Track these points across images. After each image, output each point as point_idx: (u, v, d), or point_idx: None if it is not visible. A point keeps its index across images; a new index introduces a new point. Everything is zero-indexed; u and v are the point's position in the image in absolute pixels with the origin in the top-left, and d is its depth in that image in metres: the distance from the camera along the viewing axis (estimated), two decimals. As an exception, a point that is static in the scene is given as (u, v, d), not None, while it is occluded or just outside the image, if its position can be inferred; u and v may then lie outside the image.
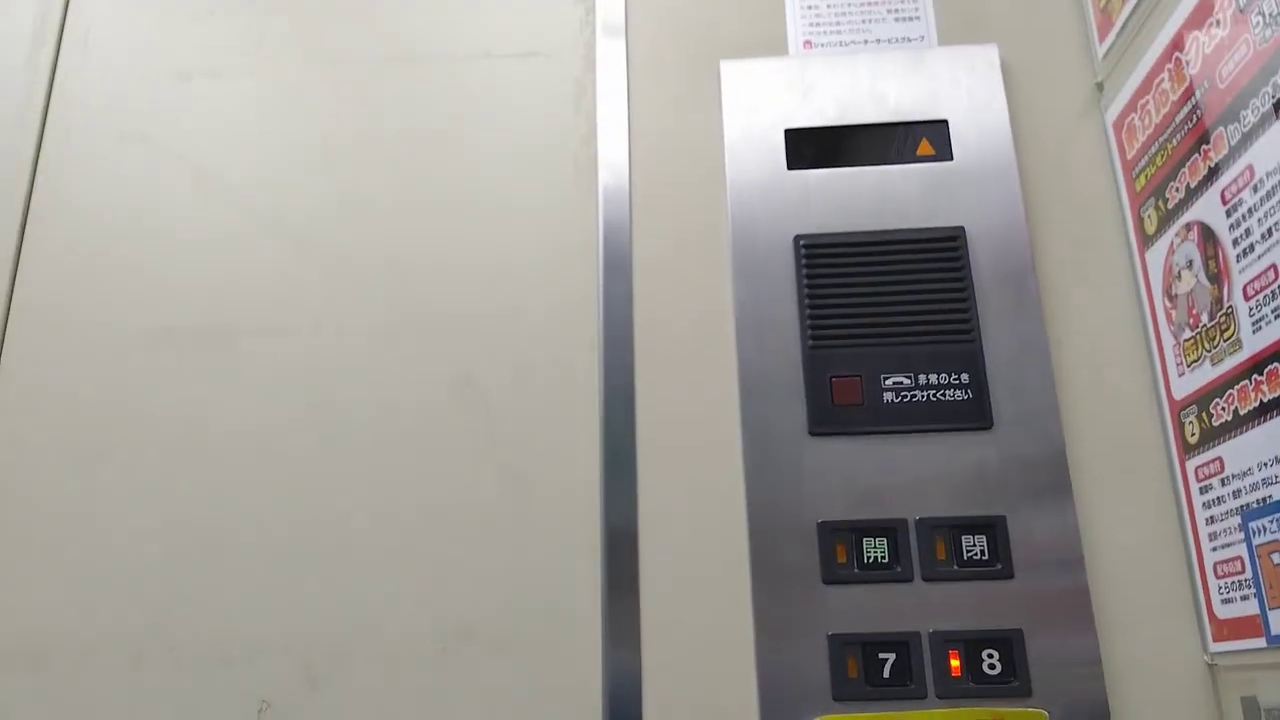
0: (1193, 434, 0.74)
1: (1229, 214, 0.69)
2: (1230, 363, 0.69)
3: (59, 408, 0.93)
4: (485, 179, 0.97)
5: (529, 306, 0.92)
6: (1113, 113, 0.85)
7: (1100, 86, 0.87)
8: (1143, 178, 0.80)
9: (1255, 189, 0.65)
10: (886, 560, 0.76)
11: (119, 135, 1.02)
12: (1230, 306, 0.69)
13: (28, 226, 1.01)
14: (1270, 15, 0.63)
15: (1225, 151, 0.69)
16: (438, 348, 0.92)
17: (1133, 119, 0.82)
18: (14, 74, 1.06)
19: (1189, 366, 0.75)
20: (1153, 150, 0.79)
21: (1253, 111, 0.65)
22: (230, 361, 0.93)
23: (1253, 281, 0.66)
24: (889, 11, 0.90)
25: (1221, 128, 0.69)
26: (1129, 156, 0.83)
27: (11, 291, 0.98)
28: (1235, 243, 0.68)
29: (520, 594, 0.81)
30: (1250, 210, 0.66)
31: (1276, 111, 0.63)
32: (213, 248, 0.97)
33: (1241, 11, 0.66)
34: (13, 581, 0.86)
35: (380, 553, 0.84)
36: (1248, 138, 0.66)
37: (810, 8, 0.91)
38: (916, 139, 0.87)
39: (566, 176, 0.95)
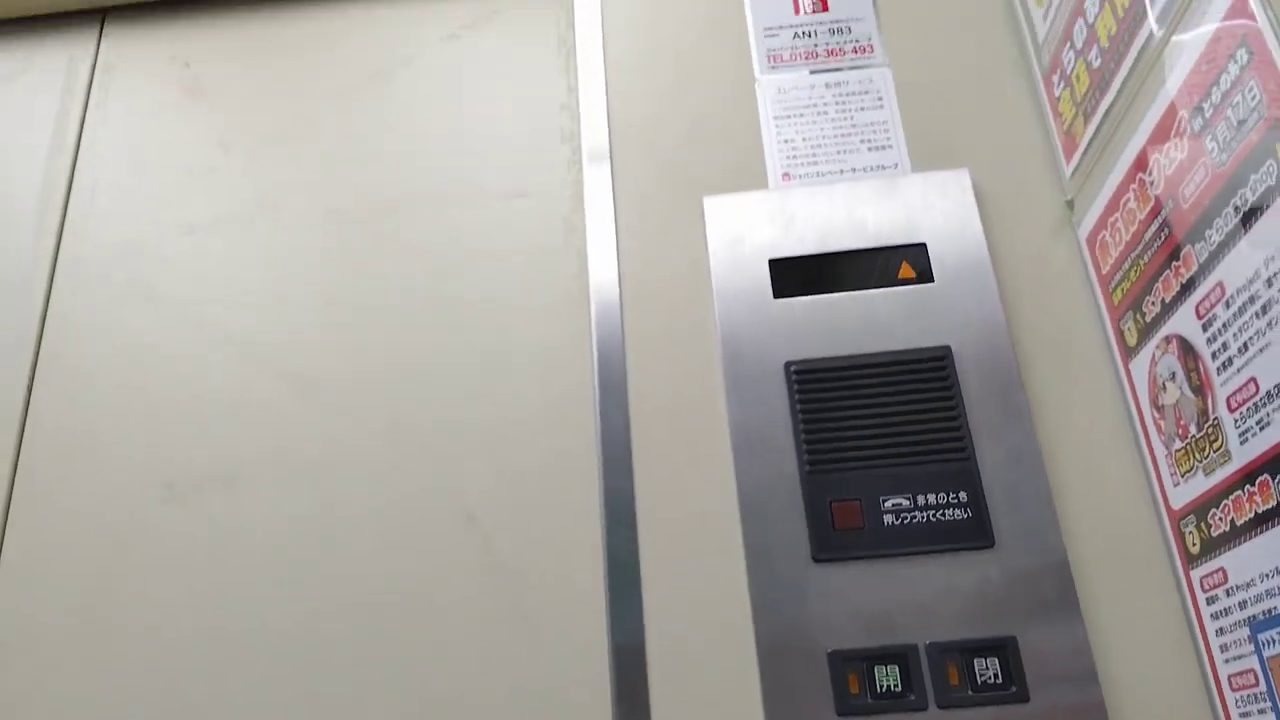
0: (1194, 544, 0.75)
1: (1205, 328, 0.70)
2: (1222, 473, 0.70)
3: (67, 561, 0.93)
4: (481, 318, 1.00)
5: (527, 441, 0.93)
6: (1085, 229, 0.88)
7: (1071, 204, 0.90)
8: (1119, 291, 0.83)
9: (1227, 304, 0.67)
10: (899, 689, 0.76)
11: (125, 288, 1.05)
12: (1216, 418, 0.70)
13: (35, 381, 1.03)
14: (1224, 140, 0.66)
15: (1195, 268, 0.71)
16: (439, 487, 0.93)
17: (1104, 235, 0.85)
18: (23, 232, 1.10)
19: (1183, 476, 0.75)
20: (1126, 265, 0.81)
21: (1217, 230, 0.68)
22: (235, 510, 0.93)
23: (1235, 394, 0.67)
24: (862, 142, 0.94)
25: (1189, 245, 0.71)
26: (1104, 271, 0.85)
27: (19, 447, 1.00)
28: (1214, 356, 0.70)
29: (530, 739, 0.80)
30: (1225, 325, 0.68)
31: (1244, 225, 0.65)
32: (216, 397, 0.99)
33: (1197, 135, 0.70)
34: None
35: (387, 692, 0.83)
36: (1215, 256, 0.68)
37: (787, 141, 0.95)
38: (897, 263, 0.90)
39: (560, 313, 0.98)
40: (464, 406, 0.94)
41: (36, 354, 1.04)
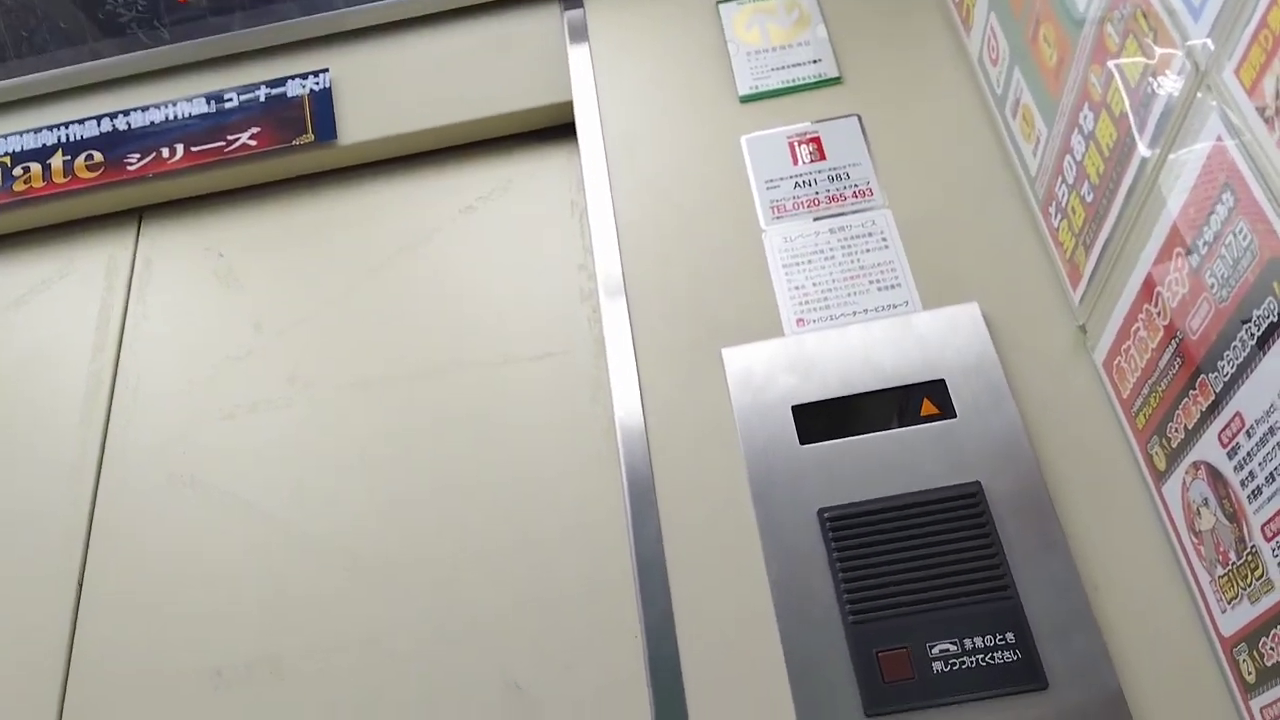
0: (1249, 672, 0.73)
1: (1230, 456, 0.71)
2: (1268, 601, 0.69)
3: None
4: (513, 480, 1.02)
5: (569, 605, 0.94)
6: (1100, 353, 0.90)
7: (1084, 329, 0.92)
8: (1141, 417, 0.84)
9: (1249, 434, 0.68)
10: (966, 845, 0.74)
11: (169, 478, 1.09)
12: (1254, 546, 0.70)
13: (85, 575, 1.05)
14: (1223, 278, 0.68)
15: (1213, 398, 0.72)
16: (484, 654, 0.93)
17: (1120, 361, 0.86)
18: (70, 428, 1.14)
19: (1229, 603, 0.75)
20: (1146, 391, 0.82)
21: (1228, 363, 0.69)
22: (283, 696, 0.94)
23: (1269, 522, 0.67)
24: (871, 283, 0.97)
25: (1204, 375, 0.73)
26: (1124, 395, 0.86)
27: (73, 639, 1.02)
28: (1243, 484, 0.70)
29: None
30: (1249, 454, 0.68)
31: (1260, 347, 0.65)
32: (260, 578, 1.01)
33: (1195, 271, 0.72)
34: None
35: None
36: (1230, 386, 0.69)
37: (798, 288, 0.98)
38: (918, 401, 0.91)
39: (591, 474, 1.00)
40: (504, 577, 0.95)
41: (86, 546, 1.07)
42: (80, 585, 1.04)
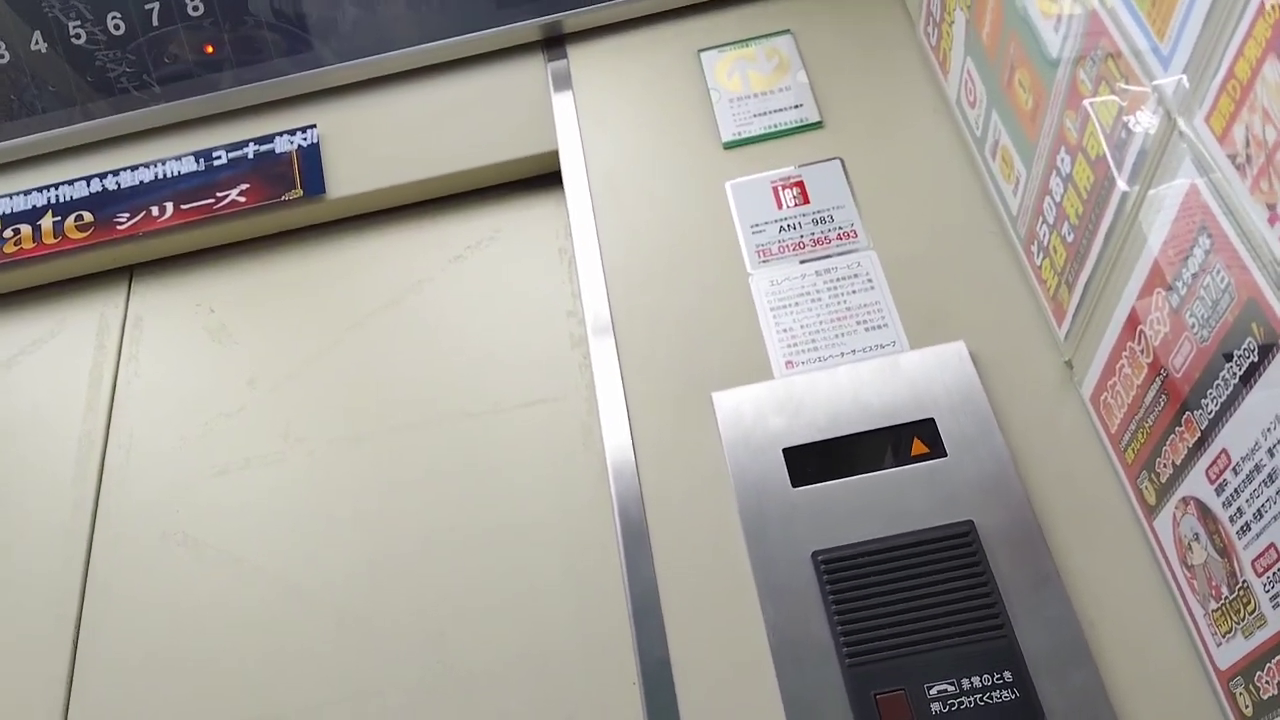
0: (1247, 706, 0.74)
1: (1218, 492, 0.72)
2: (1261, 635, 0.70)
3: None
4: (507, 529, 1.02)
5: (565, 654, 0.94)
6: (1087, 388, 0.90)
7: (1070, 364, 0.93)
8: (1130, 451, 0.84)
9: (1235, 471, 0.69)
10: None
11: (162, 536, 1.08)
12: (1245, 581, 0.70)
13: (81, 634, 1.04)
14: (1203, 318, 0.69)
15: (1199, 435, 0.73)
16: (482, 706, 0.93)
17: (1106, 397, 0.87)
18: (63, 487, 1.14)
19: (1224, 637, 0.75)
20: (1133, 427, 0.83)
21: (1212, 400, 0.70)
22: (281, 754, 0.94)
23: (1259, 558, 0.68)
24: (858, 324, 0.98)
25: (1190, 412, 0.73)
26: (1113, 430, 0.87)
27: (68, 700, 1.01)
28: (1232, 520, 0.71)
29: None
30: (1236, 491, 0.69)
31: (1244, 384, 0.66)
32: (255, 635, 1.00)
33: (1175, 311, 0.73)
34: None
35: None
36: (1215, 424, 0.70)
37: (786, 330, 0.99)
38: (909, 440, 0.92)
39: (584, 517, 1.00)
40: (500, 628, 0.95)
41: (80, 606, 1.06)
42: (75, 645, 1.04)
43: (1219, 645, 0.76)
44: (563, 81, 1.23)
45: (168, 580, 1.05)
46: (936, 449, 0.91)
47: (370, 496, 1.06)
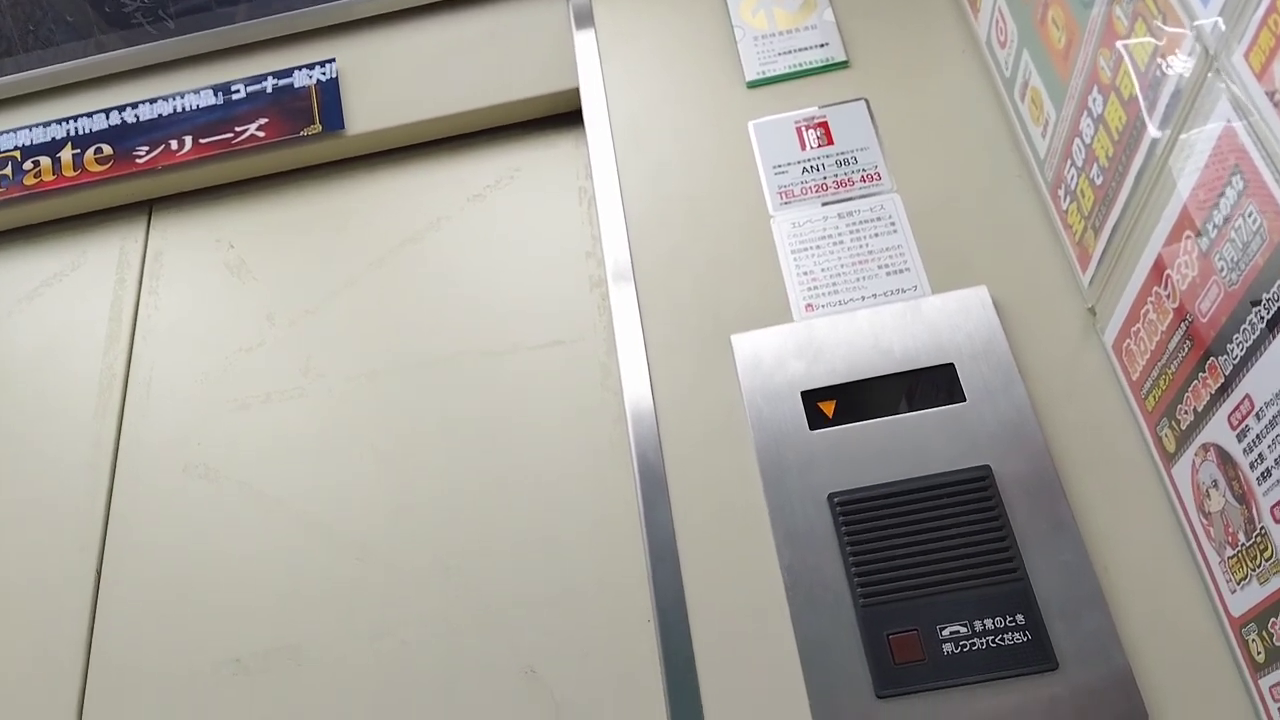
0: (1259, 652, 0.74)
1: (1239, 438, 0.71)
2: (1277, 582, 0.70)
3: (141, 747, 0.95)
4: (525, 468, 1.02)
5: (583, 592, 0.95)
6: (1110, 335, 0.90)
7: (1093, 311, 0.92)
8: (1151, 398, 0.84)
9: (1258, 417, 0.68)
10: (977, 824, 0.75)
11: (183, 470, 1.10)
12: (1263, 528, 0.70)
13: (104, 563, 1.06)
14: (1232, 261, 0.68)
15: (1222, 380, 0.72)
16: (499, 641, 0.94)
17: (1129, 344, 0.86)
18: (86, 418, 1.15)
19: (1239, 584, 0.75)
20: (1155, 373, 0.82)
21: (1238, 345, 0.69)
22: (299, 680, 0.95)
23: (1278, 505, 0.68)
24: (880, 267, 0.97)
25: (1214, 358, 0.73)
26: (1134, 377, 0.86)
27: (92, 628, 1.03)
28: (1252, 466, 0.70)
29: None
30: (1259, 437, 0.69)
31: (1270, 330, 0.66)
32: (275, 569, 1.02)
33: (1205, 254, 0.72)
34: None
35: None
36: (1239, 369, 0.70)
37: (807, 273, 0.98)
38: (928, 384, 0.91)
39: (602, 457, 1.00)
40: (518, 565, 0.96)
41: (104, 536, 1.08)
42: (98, 576, 1.06)
43: (1233, 592, 0.76)
44: (585, 18, 1.21)
45: (189, 513, 1.07)
46: (956, 394, 0.91)
47: (389, 433, 1.06)
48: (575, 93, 1.18)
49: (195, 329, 1.18)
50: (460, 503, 1.02)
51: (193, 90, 1.26)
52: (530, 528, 0.99)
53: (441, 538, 1.00)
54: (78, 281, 1.25)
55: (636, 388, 0.99)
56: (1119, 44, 0.78)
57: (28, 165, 1.27)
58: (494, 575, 0.97)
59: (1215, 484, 0.76)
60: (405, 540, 1.00)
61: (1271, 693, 0.73)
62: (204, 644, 0.99)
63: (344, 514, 1.03)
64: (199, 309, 1.19)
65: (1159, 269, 0.79)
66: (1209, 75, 0.68)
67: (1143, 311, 0.82)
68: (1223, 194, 0.68)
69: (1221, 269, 0.70)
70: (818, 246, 0.99)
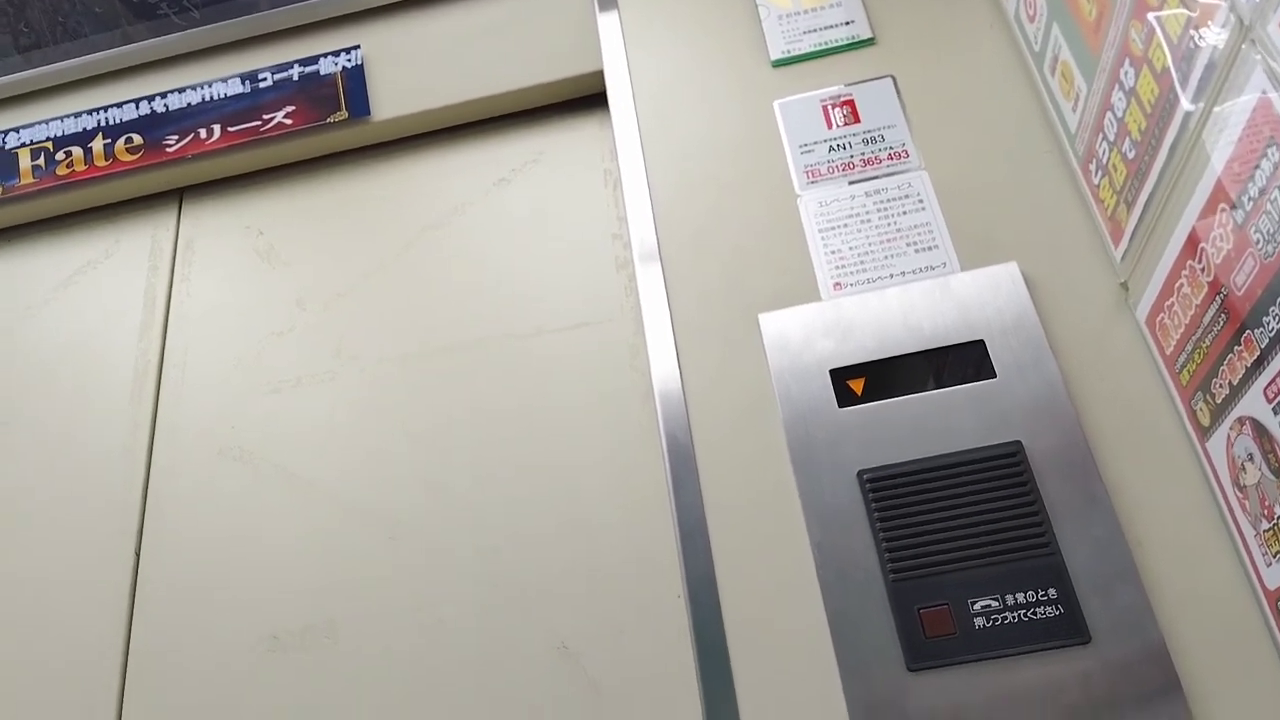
0: (1296, 625, 0.74)
1: (1276, 412, 0.71)
2: (1315, 555, 0.70)
3: (185, 714, 0.97)
4: (556, 447, 1.03)
5: (612, 569, 0.96)
6: (1142, 311, 0.89)
7: (1125, 286, 0.91)
8: (1185, 373, 0.83)
9: (1295, 389, 0.68)
10: (1011, 797, 0.75)
11: (218, 453, 1.11)
12: (1301, 500, 0.70)
13: (143, 545, 1.08)
14: (1268, 233, 0.68)
15: (1258, 353, 0.72)
16: (531, 618, 0.95)
17: (1163, 318, 0.86)
18: (122, 403, 1.17)
19: (1275, 557, 0.75)
20: (1189, 348, 0.82)
21: (1274, 318, 0.69)
22: (335, 656, 0.97)
23: (1316, 477, 0.67)
24: (908, 245, 0.97)
25: (1249, 331, 0.72)
26: (1168, 352, 0.86)
27: (132, 609, 1.05)
28: (1289, 439, 0.70)
29: None
30: (1296, 409, 0.68)
31: None
32: (310, 549, 1.03)
33: (1240, 227, 0.71)
34: None
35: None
36: (1275, 343, 0.69)
37: (834, 252, 0.98)
38: (958, 362, 0.91)
39: (631, 440, 1.01)
40: (547, 537, 0.97)
41: (142, 519, 1.10)
42: (137, 558, 1.07)
43: (1269, 566, 0.76)
44: (608, 0, 1.21)
45: (224, 495, 1.08)
46: (986, 370, 0.90)
47: (420, 415, 1.07)
48: (599, 75, 1.18)
49: (227, 315, 1.19)
50: (491, 483, 1.03)
51: (220, 79, 1.27)
52: (561, 507, 1.00)
53: (474, 518, 1.01)
54: (111, 269, 1.27)
55: (664, 368, 0.99)
56: (1151, 16, 0.77)
57: (60, 156, 1.29)
58: (526, 555, 0.98)
59: (1251, 458, 0.76)
60: (438, 521, 1.02)
61: (1308, 666, 0.73)
62: (241, 622, 1.01)
63: (377, 495, 1.04)
64: (230, 295, 1.21)
65: (1193, 242, 0.78)
66: (1243, 46, 0.67)
67: (1176, 285, 0.82)
68: (1258, 166, 0.67)
69: (1257, 241, 0.69)
70: (845, 225, 0.99)
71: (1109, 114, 0.87)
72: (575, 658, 0.92)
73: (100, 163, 1.27)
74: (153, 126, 1.27)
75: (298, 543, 1.04)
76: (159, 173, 1.26)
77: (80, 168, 1.28)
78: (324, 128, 1.22)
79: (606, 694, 0.91)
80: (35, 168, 1.29)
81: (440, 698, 0.93)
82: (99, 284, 1.26)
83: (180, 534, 1.08)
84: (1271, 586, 0.76)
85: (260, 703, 0.97)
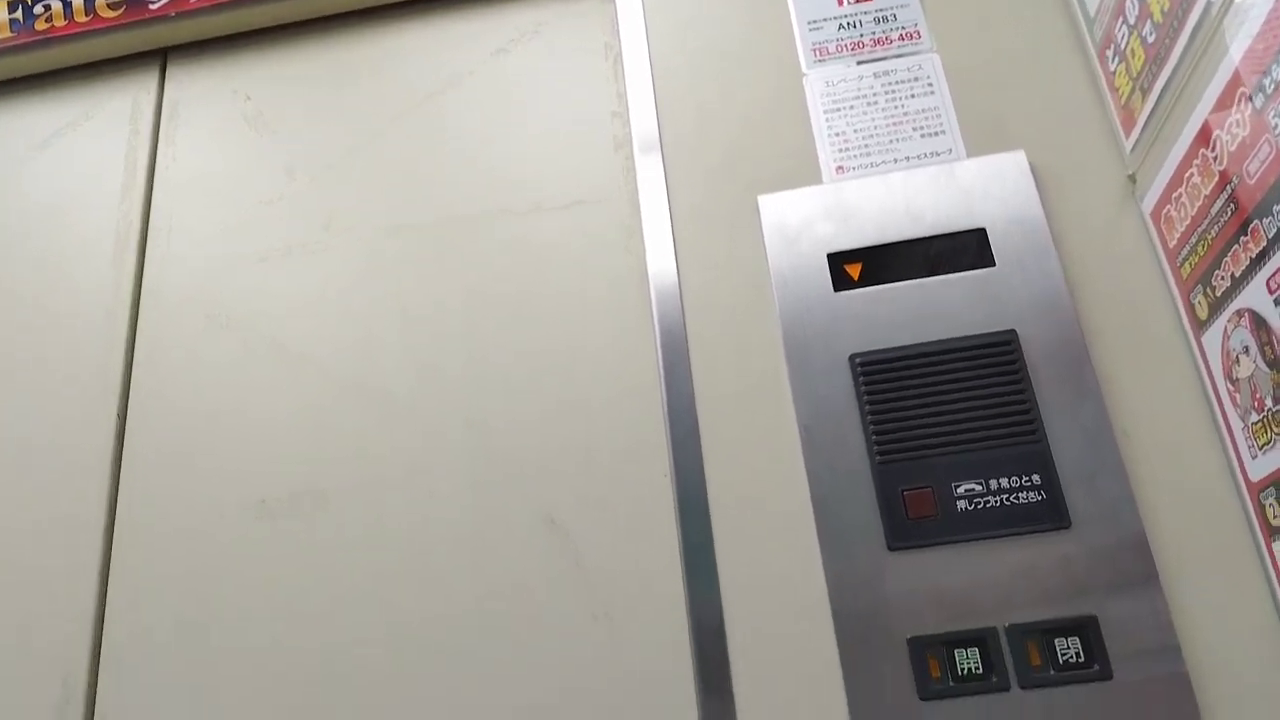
0: (1275, 516, 0.74)
1: (1276, 303, 0.70)
2: (1301, 446, 0.70)
3: (170, 578, 0.98)
4: (549, 326, 1.02)
5: (602, 446, 0.95)
6: (1148, 203, 0.88)
7: (1133, 179, 0.90)
8: (1187, 266, 0.82)
9: (1299, 278, 0.67)
10: (980, 671, 0.77)
11: (206, 319, 1.10)
12: (1292, 392, 0.70)
13: (128, 411, 1.07)
14: (1287, 115, 0.66)
15: (1264, 243, 0.70)
16: (520, 492, 0.95)
17: (1169, 210, 0.84)
18: (104, 270, 1.15)
19: (1261, 449, 0.75)
20: (1193, 240, 0.81)
21: (1284, 205, 0.68)
22: (325, 524, 0.98)
23: (1311, 367, 0.67)
24: (915, 130, 0.95)
25: (1257, 221, 0.71)
26: (1171, 245, 0.85)
27: (118, 474, 1.05)
28: (1287, 330, 0.69)
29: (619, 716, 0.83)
30: (1297, 299, 0.68)
31: None
32: (300, 420, 1.03)
33: (1260, 112, 0.69)
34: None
35: (478, 698, 0.87)
36: (1283, 230, 0.68)
37: (839, 134, 0.96)
38: (958, 249, 0.90)
39: (624, 319, 1.00)
40: (538, 415, 0.97)
41: (126, 386, 1.09)
42: (121, 422, 1.07)
43: (1254, 458, 0.76)
44: None
45: (212, 363, 1.07)
46: (986, 259, 0.89)
47: (410, 288, 1.06)
48: (604, -57, 1.13)
49: (213, 181, 1.16)
50: (481, 357, 1.02)
51: (207, -68, 1.21)
52: (551, 382, 0.99)
53: (462, 391, 1.00)
54: (91, 131, 1.23)
55: (660, 248, 0.97)
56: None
57: (38, 10, 1.23)
58: (520, 429, 0.98)
59: (1246, 350, 0.75)
60: (427, 393, 1.01)
61: (1283, 555, 0.74)
62: (228, 488, 1.01)
63: (366, 366, 1.03)
64: (217, 161, 1.17)
65: (1207, 131, 0.76)
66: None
67: (1186, 175, 0.80)
68: (1284, 43, 0.65)
69: (1276, 126, 0.67)
70: (851, 107, 0.97)
71: (1132, -5, 0.84)
72: (562, 529, 0.93)
73: (80, 18, 1.22)
74: (136, -19, 1.21)
75: (287, 413, 1.03)
76: (142, 31, 1.21)
77: (60, 23, 1.23)
78: (315, -11, 1.17)
79: (590, 565, 0.92)
80: (13, 21, 1.24)
81: (428, 567, 0.94)
82: (79, 145, 1.23)
83: (167, 400, 1.07)
84: (1255, 478, 0.77)
85: (247, 569, 0.97)
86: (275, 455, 1.02)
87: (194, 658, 0.94)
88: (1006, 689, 0.76)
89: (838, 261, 0.92)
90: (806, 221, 0.93)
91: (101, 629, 0.98)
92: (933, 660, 0.78)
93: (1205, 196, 0.78)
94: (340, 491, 0.99)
